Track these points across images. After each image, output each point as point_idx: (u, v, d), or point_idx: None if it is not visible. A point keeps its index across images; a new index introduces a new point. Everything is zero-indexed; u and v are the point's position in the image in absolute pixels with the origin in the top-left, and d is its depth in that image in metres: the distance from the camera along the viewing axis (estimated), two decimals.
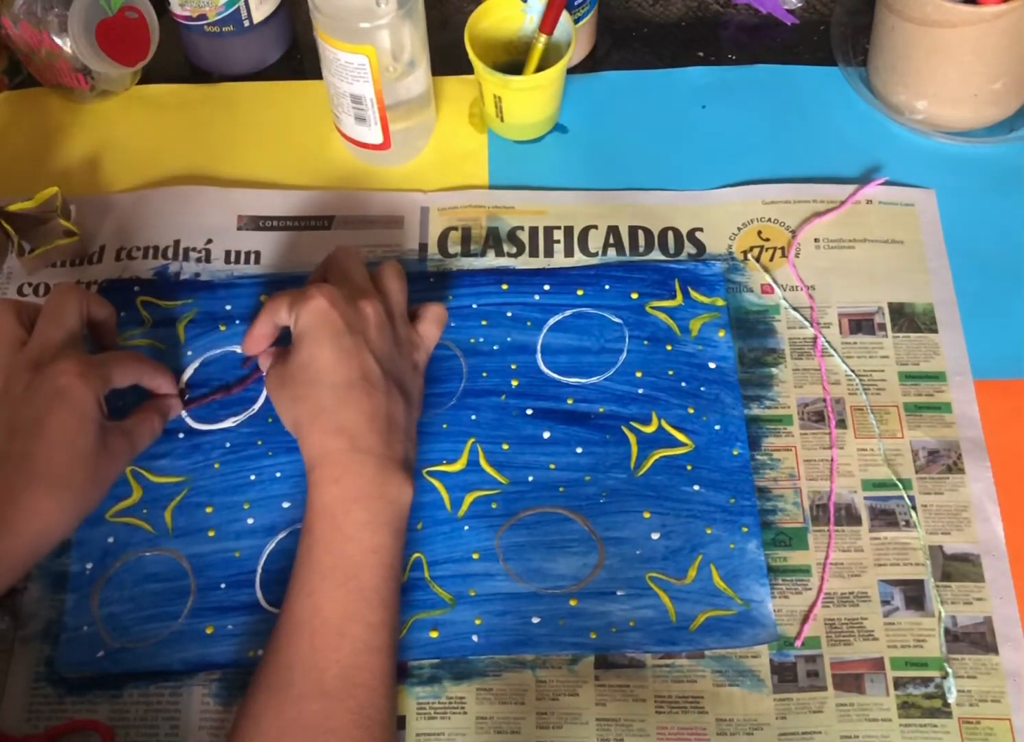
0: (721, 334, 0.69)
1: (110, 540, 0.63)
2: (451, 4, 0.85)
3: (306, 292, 0.59)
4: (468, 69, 0.73)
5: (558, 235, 0.73)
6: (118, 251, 0.72)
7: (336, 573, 0.55)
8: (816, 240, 0.72)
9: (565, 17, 0.73)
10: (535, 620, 0.61)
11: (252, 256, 0.73)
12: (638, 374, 0.67)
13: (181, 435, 0.66)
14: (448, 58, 0.76)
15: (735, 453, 0.65)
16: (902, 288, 0.70)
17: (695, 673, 0.59)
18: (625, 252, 0.72)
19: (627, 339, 0.69)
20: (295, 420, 0.60)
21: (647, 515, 0.63)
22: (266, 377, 0.63)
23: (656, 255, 0.72)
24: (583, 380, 0.68)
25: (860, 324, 0.69)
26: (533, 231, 0.73)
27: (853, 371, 0.68)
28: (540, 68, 0.74)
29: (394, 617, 0.56)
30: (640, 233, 0.73)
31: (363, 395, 0.58)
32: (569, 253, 0.72)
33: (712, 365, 0.68)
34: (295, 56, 0.84)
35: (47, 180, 0.74)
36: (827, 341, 0.69)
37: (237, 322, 0.69)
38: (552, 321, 0.69)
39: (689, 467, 0.65)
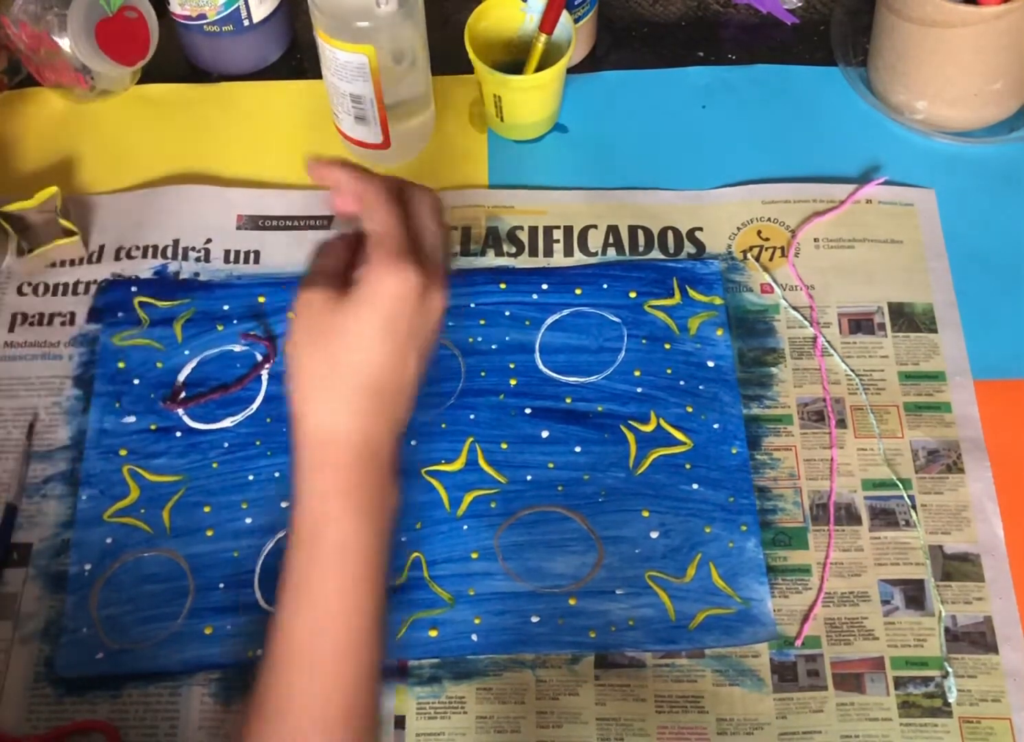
0: (719, 333, 0.68)
1: (108, 541, 0.63)
2: (451, 4, 0.85)
3: (393, 266, 0.50)
4: (468, 69, 0.73)
5: (558, 235, 0.73)
6: (117, 250, 0.72)
7: (312, 585, 0.51)
8: (816, 240, 0.72)
9: (565, 17, 0.73)
10: (534, 619, 0.60)
11: (251, 256, 0.73)
12: (636, 373, 0.67)
13: (179, 434, 0.66)
14: (448, 58, 0.76)
15: (734, 452, 0.65)
16: (902, 288, 0.70)
17: (695, 673, 0.59)
18: (625, 252, 0.72)
19: (625, 338, 0.69)
20: (301, 395, 0.53)
21: (646, 514, 0.63)
22: (296, 319, 0.52)
23: (656, 255, 0.72)
24: (582, 379, 0.67)
25: (860, 324, 0.69)
26: (533, 231, 0.73)
27: (853, 371, 0.68)
28: (540, 68, 0.73)
29: (372, 631, 0.51)
30: (640, 233, 0.73)
31: (384, 405, 0.52)
32: (569, 253, 0.72)
33: (710, 364, 0.68)
34: (295, 56, 0.83)
35: (47, 180, 0.74)
36: (827, 341, 0.69)
37: (235, 322, 0.69)
38: (550, 320, 0.69)
39: (688, 466, 0.64)
